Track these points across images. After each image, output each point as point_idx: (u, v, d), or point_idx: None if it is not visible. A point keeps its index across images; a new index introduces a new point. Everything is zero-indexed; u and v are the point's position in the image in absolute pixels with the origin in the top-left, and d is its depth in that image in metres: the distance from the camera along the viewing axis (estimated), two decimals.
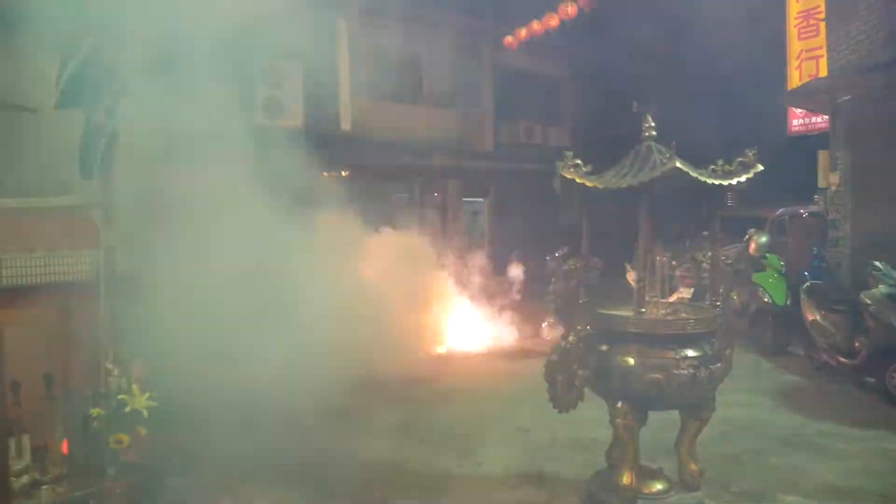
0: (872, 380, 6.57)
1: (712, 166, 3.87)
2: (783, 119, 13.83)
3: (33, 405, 3.92)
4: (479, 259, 10.38)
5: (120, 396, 4.02)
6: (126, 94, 4.03)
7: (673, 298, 8.93)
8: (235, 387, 5.01)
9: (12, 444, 3.68)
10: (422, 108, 15.59)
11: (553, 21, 14.86)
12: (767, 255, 8.96)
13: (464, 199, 17.10)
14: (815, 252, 9.04)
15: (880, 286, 6.48)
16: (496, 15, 16.65)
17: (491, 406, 6.38)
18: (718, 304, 3.99)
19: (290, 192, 6.31)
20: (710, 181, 3.65)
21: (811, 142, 12.46)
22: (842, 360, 6.84)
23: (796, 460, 4.96)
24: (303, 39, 7.01)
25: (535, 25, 15.21)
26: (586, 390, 3.93)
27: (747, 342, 8.68)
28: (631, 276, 8.36)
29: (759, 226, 10.28)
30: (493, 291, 10.02)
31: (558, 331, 4.20)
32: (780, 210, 11.38)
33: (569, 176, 3.83)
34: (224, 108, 5.28)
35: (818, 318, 7.19)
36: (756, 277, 8.82)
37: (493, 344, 9.11)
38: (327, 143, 10.89)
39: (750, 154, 3.78)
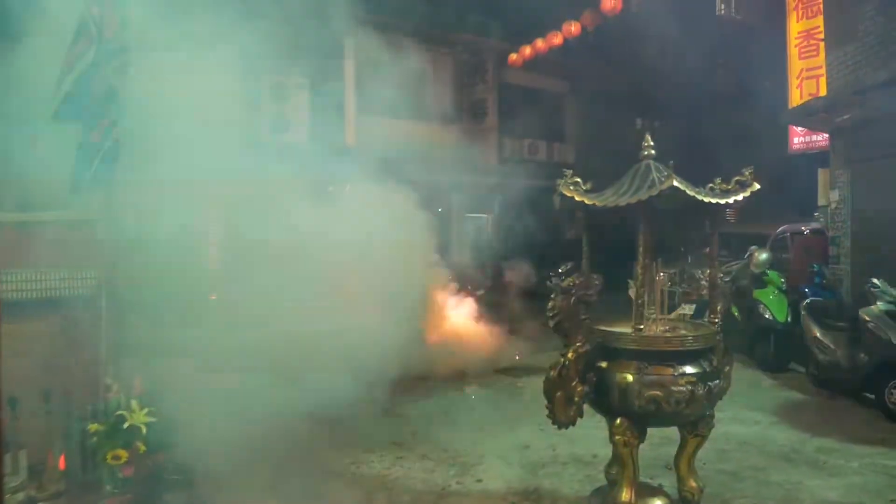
0: (872, 396, 6.58)
1: (710, 185, 3.92)
2: (784, 137, 13.89)
3: (31, 421, 3.93)
4: (481, 273, 10.38)
5: (118, 412, 4.03)
6: (125, 110, 4.06)
7: (674, 315, 8.97)
8: (236, 399, 5.00)
9: (9, 459, 3.68)
10: (427, 124, 15.69)
11: (557, 39, 15.03)
12: (768, 272, 8.98)
13: (468, 214, 17.15)
14: (815, 269, 9.05)
15: (879, 303, 6.52)
16: (501, 33, 16.83)
17: (491, 422, 6.37)
18: (717, 320, 4.01)
19: (293, 209, 6.33)
20: (707, 199, 3.68)
21: (812, 160, 12.51)
22: (842, 376, 6.85)
23: (796, 477, 4.94)
24: (309, 56, 7.09)
25: (540, 43, 15.39)
26: (587, 407, 3.95)
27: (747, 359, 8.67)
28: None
29: (761, 243, 10.30)
30: (496, 306, 10.01)
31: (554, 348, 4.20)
32: (782, 227, 11.40)
33: (568, 194, 3.88)
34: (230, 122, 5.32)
35: (819, 334, 7.20)
36: (757, 294, 8.84)
37: (494, 360, 9.09)
38: (332, 158, 10.96)
39: (747, 173, 3.83)
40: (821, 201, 10.76)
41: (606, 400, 3.87)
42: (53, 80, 4.00)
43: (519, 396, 7.41)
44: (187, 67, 4.65)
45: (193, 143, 4.64)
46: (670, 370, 3.73)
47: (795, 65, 12.09)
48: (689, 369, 3.75)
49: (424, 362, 7.61)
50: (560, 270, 4.01)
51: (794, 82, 12.09)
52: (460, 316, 9.54)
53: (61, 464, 4.03)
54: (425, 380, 7.61)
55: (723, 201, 3.73)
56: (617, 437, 3.85)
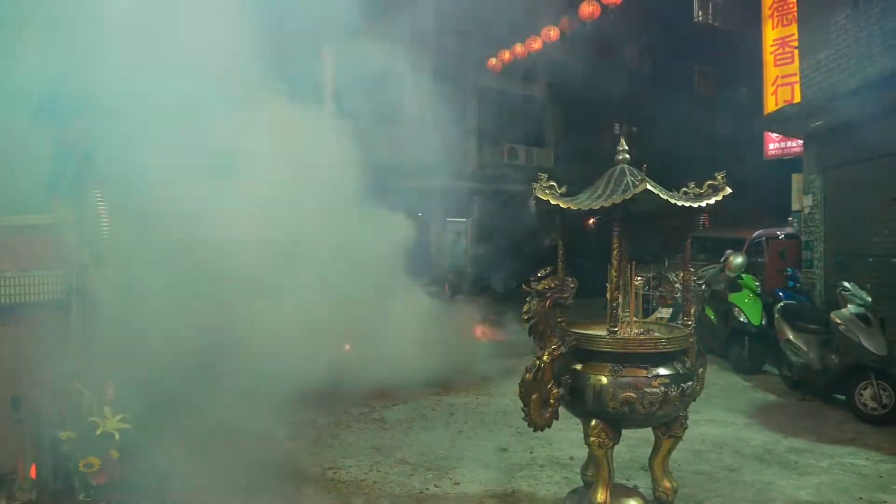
0: (843, 397, 6.70)
1: (684, 189, 3.97)
2: (760, 143, 14.11)
3: (0, 429, 3.86)
4: (459, 278, 10.40)
5: (91, 419, 3.97)
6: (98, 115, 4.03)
7: (652, 319, 9.05)
8: (212, 403, 4.97)
9: None
10: (404, 129, 15.70)
11: (536, 44, 15.13)
12: (743, 275, 9.09)
13: (447, 219, 17.18)
14: (789, 273, 9.20)
15: (850, 306, 6.64)
16: (479, 38, 16.87)
17: (470, 425, 6.37)
18: (690, 323, 4.06)
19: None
20: (679, 203, 3.73)
21: (787, 165, 12.73)
22: (814, 378, 6.97)
23: (768, 476, 5.02)
24: (287, 63, 7.06)
25: (519, 48, 15.47)
26: (563, 409, 3.96)
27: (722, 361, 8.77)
28: None
29: (738, 247, 10.44)
30: (473, 311, 10.03)
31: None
32: (758, 232, 11.57)
33: (543, 197, 3.90)
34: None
35: (791, 337, 7.30)
36: (732, 297, 8.95)
37: (473, 363, 9.09)
38: None
39: (719, 177, 3.87)
40: (795, 206, 10.94)
41: (581, 402, 3.88)
42: (27, 81, 3.96)
43: (495, 401, 7.41)
44: None
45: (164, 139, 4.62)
46: (644, 372, 3.75)
47: (771, 72, 12.29)
48: (662, 371, 3.78)
49: (398, 368, 7.57)
50: (538, 274, 4.01)
51: (769, 89, 12.29)
52: (439, 319, 9.52)
53: (32, 472, 3.97)
54: (403, 386, 7.58)
55: (695, 205, 3.77)
56: (592, 439, 3.87)
